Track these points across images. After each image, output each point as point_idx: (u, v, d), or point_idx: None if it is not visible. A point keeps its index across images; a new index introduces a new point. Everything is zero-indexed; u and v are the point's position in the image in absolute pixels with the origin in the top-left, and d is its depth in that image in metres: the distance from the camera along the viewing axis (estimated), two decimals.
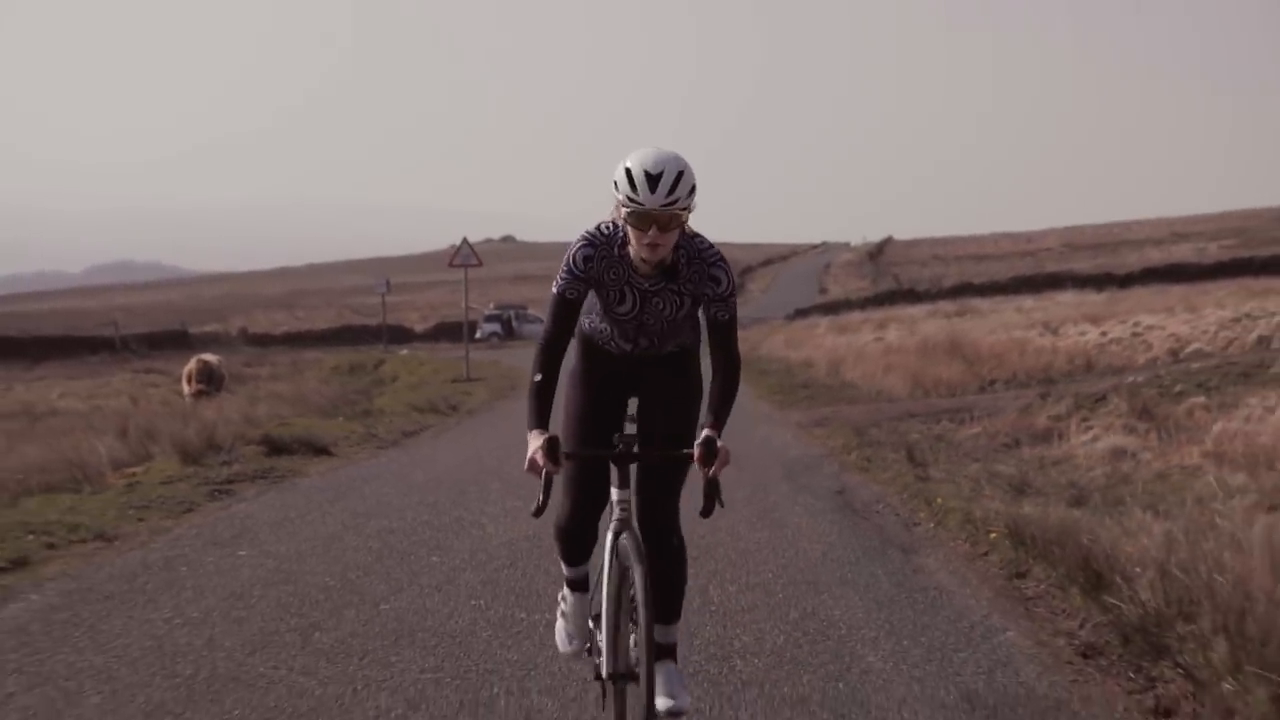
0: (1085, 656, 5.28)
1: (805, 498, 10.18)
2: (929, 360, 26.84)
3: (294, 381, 31.97)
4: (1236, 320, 29.48)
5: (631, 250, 3.99)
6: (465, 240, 29.30)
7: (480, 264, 29.22)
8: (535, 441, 3.86)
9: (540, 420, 3.95)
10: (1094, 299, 50.22)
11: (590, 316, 4.33)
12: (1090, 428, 13.82)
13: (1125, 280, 66.81)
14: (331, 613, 6.20)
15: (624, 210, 3.87)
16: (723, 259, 4.05)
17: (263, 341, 69.82)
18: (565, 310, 4.06)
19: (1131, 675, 4.95)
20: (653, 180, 3.78)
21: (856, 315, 56.23)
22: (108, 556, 7.84)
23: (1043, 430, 14.02)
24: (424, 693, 4.87)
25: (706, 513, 3.91)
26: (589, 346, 4.41)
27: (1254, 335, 23.61)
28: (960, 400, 19.84)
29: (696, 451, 3.88)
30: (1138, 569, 5.67)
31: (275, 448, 13.76)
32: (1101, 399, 16.01)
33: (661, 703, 4.10)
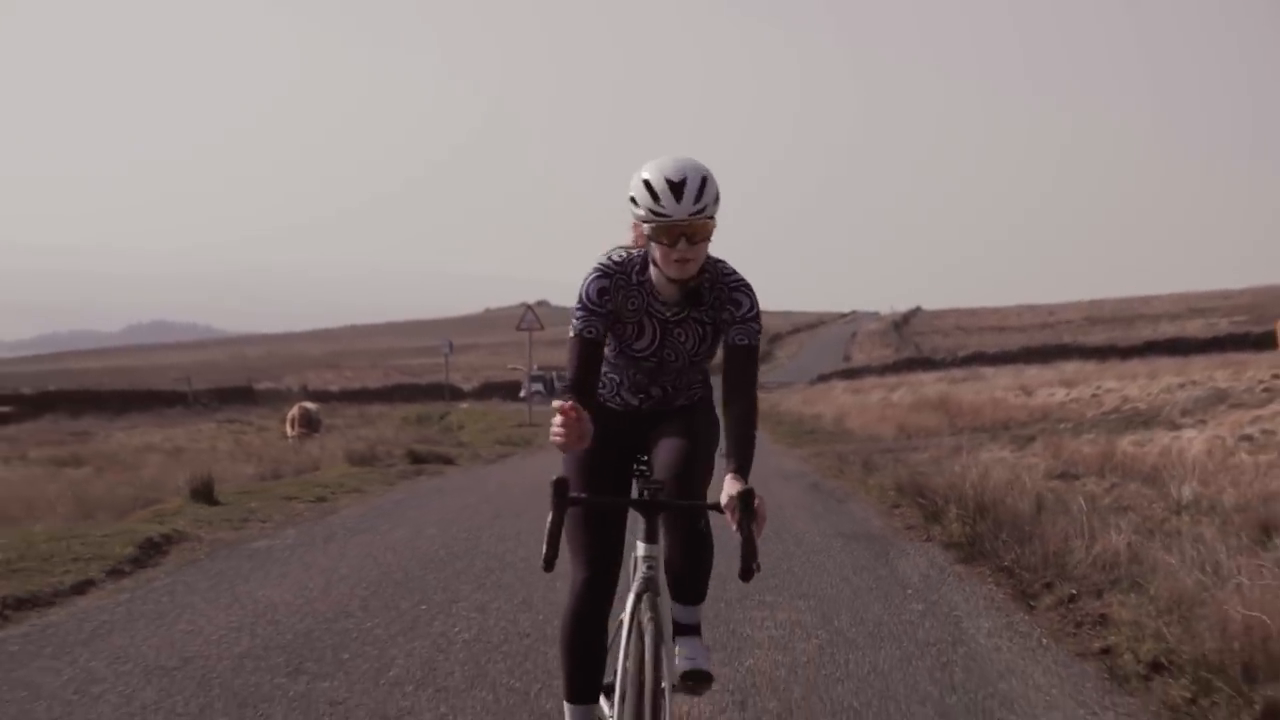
0: (907, 527, 10.66)
1: (791, 485, 15.57)
2: (917, 413, 32.29)
3: (373, 428, 37.45)
4: (1181, 386, 34.74)
5: (654, 273, 3.66)
6: (529, 306, 34.93)
7: (542, 328, 34.79)
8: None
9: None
10: (1089, 368, 55.03)
11: None
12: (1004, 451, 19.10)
13: (1127, 352, 71.74)
14: (526, 507, 11.72)
15: (647, 226, 3.52)
16: (747, 285, 3.73)
17: (322, 397, 75.35)
18: (587, 351, 3.64)
19: (924, 531, 10.32)
20: (677, 188, 3.44)
21: (873, 380, 61.47)
22: (369, 499, 13.42)
23: (968, 453, 19.32)
24: None
25: (746, 576, 3.30)
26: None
27: (1176, 396, 28.82)
28: (931, 440, 25.13)
29: (729, 504, 3.35)
30: (941, 490, 11.11)
31: (416, 459, 19.32)
32: (1032, 438, 21.31)
33: (683, 663, 3.94)
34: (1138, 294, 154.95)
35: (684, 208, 3.43)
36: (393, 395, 75.57)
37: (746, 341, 3.67)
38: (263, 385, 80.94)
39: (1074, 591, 7.00)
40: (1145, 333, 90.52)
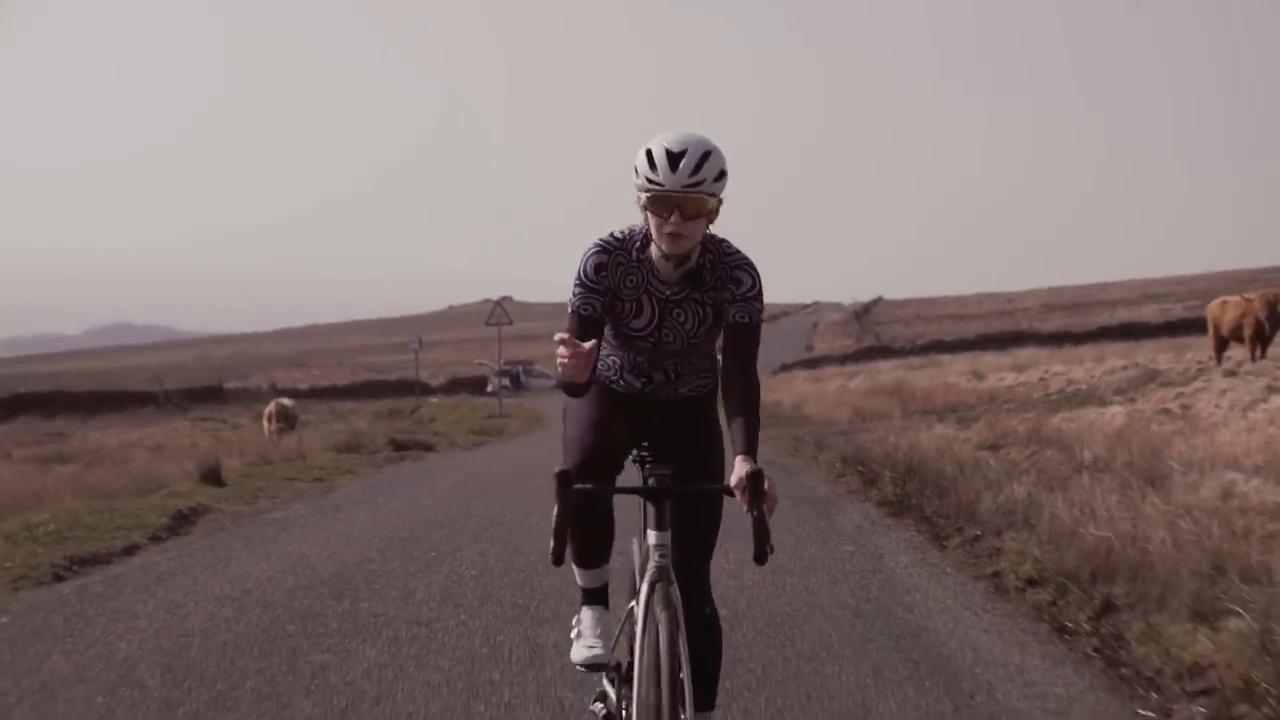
0: (849, 492, 12.01)
1: None
2: (873, 398, 33.76)
3: (346, 422, 38.55)
4: (1125, 368, 36.36)
5: (654, 250, 3.54)
6: (498, 302, 36.12)
7: (511, 323, 35.95)
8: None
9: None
10: (1041, 354, 56.66)
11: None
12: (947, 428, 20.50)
13: (1081, 338, 73.47)
14: (507, 483, 13.00)
15: (643, 196, 3.42)
16: (749, 262, 3.62)
17: (292, 395, 75.72)
18: (584, 329, 3.53)
19: (862, 494, 11.66)
20: (674, 159, 3.35)
21: (833, 369, 62.92)
22: (364, 479, 14.66)
23: (906, 429, 20.72)
24: None
25: (760, 559, 3.25)
26: (594, 386, 3.76)
27: (1116, 377, 30.40)
28: (883, 423, 26.53)
29: (739, 485, 3.27)
30: (878, 459, 12.46)
31: (398, 446, 20.54)
32: (976, 418, 22.75)
33: None
34: (1096, 281, 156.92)
35: (678, 179, 3.34)
36: (360, 392, 76.25)
37: (747, 320, 3.56)
38: (231, 385, 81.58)
39: (979, 533, 8.36)
40: (1101, 319, 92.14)
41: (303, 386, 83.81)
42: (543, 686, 4.94)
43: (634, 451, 3.81)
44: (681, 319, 3.65)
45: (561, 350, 3.19)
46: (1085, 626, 5.75)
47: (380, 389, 75.52)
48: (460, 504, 11.34)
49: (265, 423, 33.03)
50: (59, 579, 7.77)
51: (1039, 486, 9.28)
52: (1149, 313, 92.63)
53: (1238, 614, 5.09)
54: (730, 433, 3.48)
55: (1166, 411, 17.40)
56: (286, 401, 34.26)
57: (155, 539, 9.48)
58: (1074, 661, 5.37)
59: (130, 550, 8.92)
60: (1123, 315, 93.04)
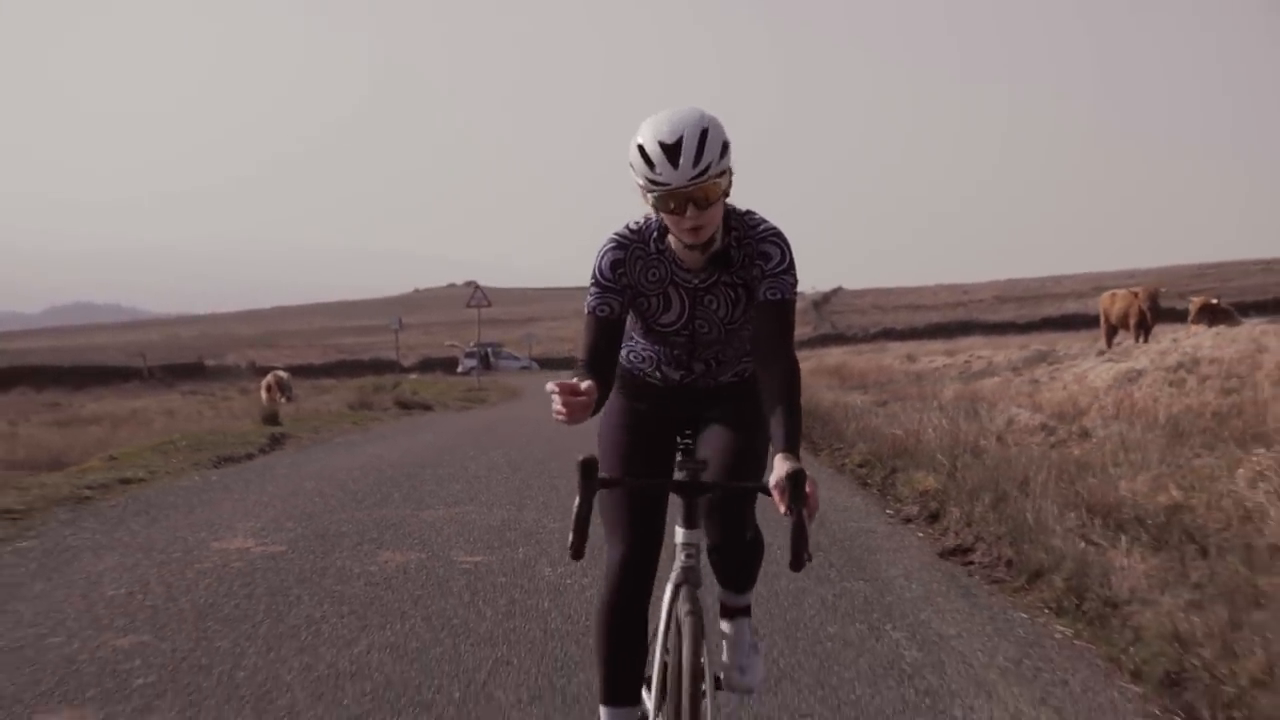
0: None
1: None
2: (815, 377, 37.88)
3: (334, 395, 42.06)
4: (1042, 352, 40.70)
5: (672, 240, 3.27)
6: (477, 285, 39.75)
7: (490, 305, 39.58)
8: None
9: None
10: (979, 341, 60.61)
11: (627, 343, 3.57)
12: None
13: (1025, 328, 77.65)
14: (503, 427, 16.90)
15: (649, 196, 3.11)
16: (778, 233, 3.31)
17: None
18: (601, 331, 3.26)
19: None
20: (672, 151, 3.01)
21: None
22: (391, 424, 18.55)
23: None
24: (557, 431, 15.53)
25: (796, 565, 2.87)
26: (629, 382, 3.60)
27: (1013, 358, 34.59)
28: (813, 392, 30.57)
29: (777, 486, 2.92)
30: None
31: (403, 405, 24.37)
32: (895, 390, 26.83)
33: (733, 676, 3.66)
34: (1051, 274, 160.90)
35: (683, 173, 3.00)
36: (336, 371, 79.01)
37: (779, 296, 3.24)
38: (210, 363, 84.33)
39: (841, 445, 12.38)
40: (1049, 310, 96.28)
41: (279, 365, 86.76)
42: (561, 499, 8.89)
43: (677, 440, 3.55)
44: (714, 306, 3.39)
45: (555, 399, 2.90)
46: (877, 480, 9.77)
47: (355, 368, 78.23)
48: (475, 436, 15.25)
49: (264, 393, 36.13)
50: (216, 467, 11.60)
51: (886, 419, 13.28)
52: (1096, 305, 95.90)
53: (944, 464, 9.06)
54: (770, 426, 3.13)
55: (1035, 381, 21.39)
56: (283, 373, 37.52)
57: (263, 451, 13.34)
58: (864, 495, 9.36)
59: (250, 456, 12.76)
60: (1071, 307, 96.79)
